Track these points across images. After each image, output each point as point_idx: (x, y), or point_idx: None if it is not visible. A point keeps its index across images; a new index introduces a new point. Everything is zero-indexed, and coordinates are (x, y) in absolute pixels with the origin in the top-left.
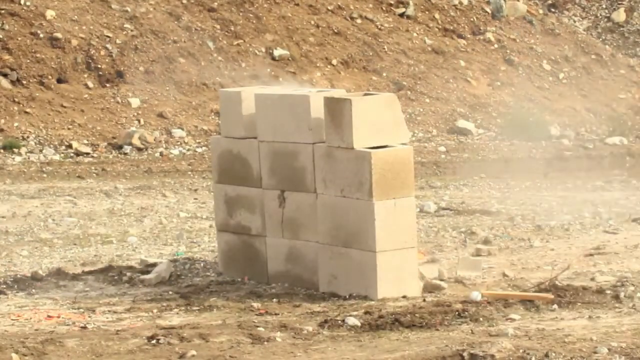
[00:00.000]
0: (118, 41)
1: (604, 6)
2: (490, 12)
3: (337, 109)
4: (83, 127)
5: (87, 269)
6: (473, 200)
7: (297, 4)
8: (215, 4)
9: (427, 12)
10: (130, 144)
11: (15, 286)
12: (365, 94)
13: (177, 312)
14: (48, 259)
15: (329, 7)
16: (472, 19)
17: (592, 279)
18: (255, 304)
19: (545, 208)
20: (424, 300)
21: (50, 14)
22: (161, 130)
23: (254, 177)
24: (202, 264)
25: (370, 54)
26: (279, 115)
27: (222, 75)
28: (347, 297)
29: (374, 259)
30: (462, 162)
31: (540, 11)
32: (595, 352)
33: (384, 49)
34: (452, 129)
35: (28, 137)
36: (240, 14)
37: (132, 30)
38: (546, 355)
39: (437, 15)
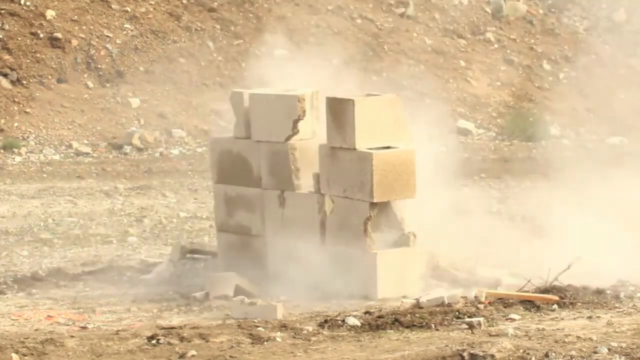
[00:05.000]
0: (118, 41)
1: (604, 6)
2: (490, 12)
3: (339, 109)
4: (83, 127)
5: (87, 269)
6: (473, 200)
7: (297, 4)
8: (215, 4)
9: (427, 12)
10: (130, 144)
11: (15, 286)
12: (368, 95)
13: (177, 312)
14: (48, 259)
15: (329, 7)
16: (472, 19)
17: (592, 279)
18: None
19: (545, 208)
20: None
21: (50, 14)
22: (161, 130)
23: (253, 177)
24: (202, 264)
25: (370, 54)
26: (274, 115)
27: (222, 75)
28: (348, 297)
29: (374, 259)
30: (461, 162)
31: (541, 11)
32: (595, 352)
33: (384, 49)
34: (452, 129)
35: (28, 137)
36: (240, 14)
37: (132, 30)
38: (546, 355)
39: (437, 15)
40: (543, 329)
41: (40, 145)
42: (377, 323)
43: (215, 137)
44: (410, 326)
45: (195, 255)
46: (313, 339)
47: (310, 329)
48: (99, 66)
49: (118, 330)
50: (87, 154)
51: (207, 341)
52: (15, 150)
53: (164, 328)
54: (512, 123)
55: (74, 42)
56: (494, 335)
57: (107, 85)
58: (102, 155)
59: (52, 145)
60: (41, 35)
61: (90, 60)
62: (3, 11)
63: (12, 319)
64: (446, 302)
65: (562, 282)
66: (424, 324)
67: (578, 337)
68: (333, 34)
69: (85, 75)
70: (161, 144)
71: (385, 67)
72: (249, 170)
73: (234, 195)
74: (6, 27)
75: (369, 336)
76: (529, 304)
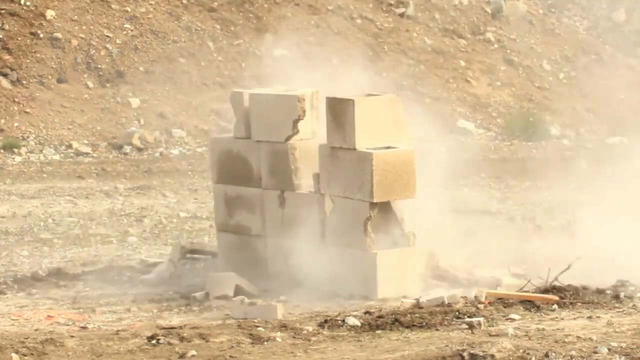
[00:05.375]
0: (118, 41)
1: (604, 6)
2: (490, 12)
3: (339, 109)
4: (83, 127)
5: (87, 269)
6: (473, 200)
7: (297, 4)
8: (215, 4)
9: (427, 12)
10: (130, 144)
11: (16, 286)
12: (368, 95)
13: (177, 312)
14: (48, 259)
15: (329, 7)
16: (472, 19)
17: (592, 279)
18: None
19: (546, 208)
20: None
21: (50, 14)
22: (161, 130)
23: (254, 177)
24: (202, 264)
25: (370, 54)
26: (274, 115)
27: (222, 75)
28: (348, 297)
29: (374, 259)
30: (462, 162)
31: (540, 11)
32: (595, 352)
33: (384, 49)
34: (452, 129)
35: (28, 137)
36: (240, 14)
37: (132, 30)
38: (546, 355)
39: (437, 15)
40: (543, 329)
41: (40, 145)
42: (377, 323)
43: (215, 137)
44: (410, 326)
45: (195, 255)
46: (313, 339)
47: (310, 329)
48: (99, 66)
49: (118, 330)
50: (87, 154)
51: (207, 341)
52: (15, 150)
53: (164, 328)
54: (512, 123)
55: (74, 42)
56: (494, 335)
57: (107, 85)
58: (102, 155)
59: (52, 145)
60: (41, 35)
61: (90, 60)
62: (3, 11)
63: (12, 319)
64: (446, 302)
65: (562, 282)
66: (424, 324)
67: (578, 337)
68: (333, 34)
69: (85, 75)
70: (161, 144)
71: (385, 67)
72: (249, 170)
73: (234, 195)
74: (6, 27)
75: (369, 336)
76: (529, 304)
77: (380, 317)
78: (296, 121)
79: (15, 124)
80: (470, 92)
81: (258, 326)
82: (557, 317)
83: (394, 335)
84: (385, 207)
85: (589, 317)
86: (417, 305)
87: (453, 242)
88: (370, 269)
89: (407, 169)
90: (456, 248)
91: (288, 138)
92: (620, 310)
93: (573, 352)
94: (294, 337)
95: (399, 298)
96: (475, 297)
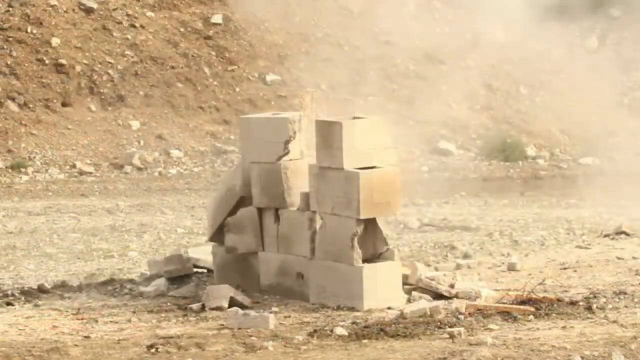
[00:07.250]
0: (119, 67)
1: (577, 33)
2: (470, 39)
3: (328, 131)
4: (86, 148)
5: (90, 281)
6: (454, 217)
7: (288, 32)
8: (211, 32)
9: (409, 40)
10: (130, 164)
11: (23, 298)
12: (355, 117)
13: (175, 322)
14: (53, 272)
15: (318, 35)
16: (453, 46)
17: (566, 291)
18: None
19: (522, 224)
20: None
21: (55, 41)
22: (160, 151)
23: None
24: (198, 277)
25: (357, 79)
26: (266, 137)
27: (218, 99)
28: (336, 308)
29: (360, 273)
30: (443, 181)
31: (518, 38)
32: None
33: (370, 74)
34: (434, 150)
35: (34, 157)
36: (235, 41)
37: (132, 57)
38: None
39: (419, 43)
40: (520, 338)
41: (46, 165)
42: (364, 333)
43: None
44: (395, 336)
45: (192, 269)
46: (303, 347)
47: (301, 338)
48: (102, 90)
49: (119, 339)
50: (90, 173)
51: (203, 350)
52: (22, 169)
53: (162, 337)
54: (490, 144)
55: (78, 67)
56: (474, 344)
57: (109, 108)
58: (104, 174)
59: (57, 165)
60: (47, 62)
61: (93, 85)
62: (11, 39)
63: (19, 329)
64: (429, 313)
65: (537, 294)
66: (408, 333)
67: (553, 346)
68: (322, 60)
69: (89, 99)
70: (160, 164)
71: (370, 91)
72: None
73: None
74: (14, 53)
75: (355, 345)
76: (506, 315)
77: (366, 327)
78: (287, 142)
79: (22, 145)
80: (451, 115)
81: (251, 335)
82: (533, 327)
83: (379, 344)
84: (370, 224)
85: (563, 327)
86: (402, 316)
87: (435, 257)
88: (357, 281)
89: (392, 188)
90: (437, 262)
91: (279, 158)
92: (593, 320)
93: None
94: (285, 346)
95: (384, 309)
96: (456, 308)
